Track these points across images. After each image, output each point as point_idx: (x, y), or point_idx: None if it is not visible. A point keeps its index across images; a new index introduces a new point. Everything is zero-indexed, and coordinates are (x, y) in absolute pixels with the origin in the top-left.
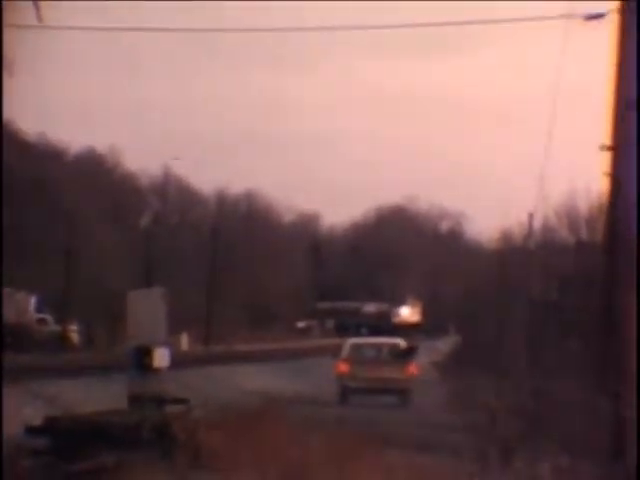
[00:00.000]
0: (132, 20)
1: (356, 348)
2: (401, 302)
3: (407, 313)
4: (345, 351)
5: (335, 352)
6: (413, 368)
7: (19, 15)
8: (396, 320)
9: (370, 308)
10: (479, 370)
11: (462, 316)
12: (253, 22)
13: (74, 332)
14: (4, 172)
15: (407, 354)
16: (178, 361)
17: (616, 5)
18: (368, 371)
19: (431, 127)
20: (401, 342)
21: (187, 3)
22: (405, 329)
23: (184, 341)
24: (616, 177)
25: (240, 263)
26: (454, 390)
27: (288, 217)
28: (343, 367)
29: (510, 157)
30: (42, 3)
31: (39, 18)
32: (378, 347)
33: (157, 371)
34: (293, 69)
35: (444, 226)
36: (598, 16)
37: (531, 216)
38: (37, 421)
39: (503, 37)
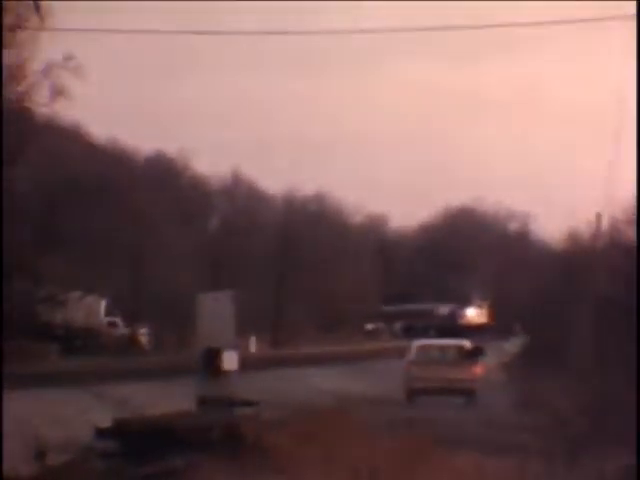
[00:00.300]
0: (194, 23)
1: (422, 349)
2: (468, 303)
3: (473, 314)
4: (412, 353)
5: (402, 354)
6: (479, 369)
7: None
8: (463, 321)
9: (438, 310)
10: (546, 370)
11: (529, 317)
12: (306, 24)
13: (143, 335)
14: (75, 177)
15: (473, 355)
16: (247, 363)
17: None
18: (434, 372)
19: (497, 129)
20: (467, 343)
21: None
22: (472, 330)
23: (252, 344)
24: None
25: (308, 265)
26: (521, 390)
27: (356, 219)
28: (409, 368)
29: (578, 158)
30: (43, 3)
31: (40, 18)
32: (444, 348)
33: (226, 373)
34: (354, 71)
35: (511, 227)
36: None
37: (599, 217)
38: (107, 424)
39: (564, 38)
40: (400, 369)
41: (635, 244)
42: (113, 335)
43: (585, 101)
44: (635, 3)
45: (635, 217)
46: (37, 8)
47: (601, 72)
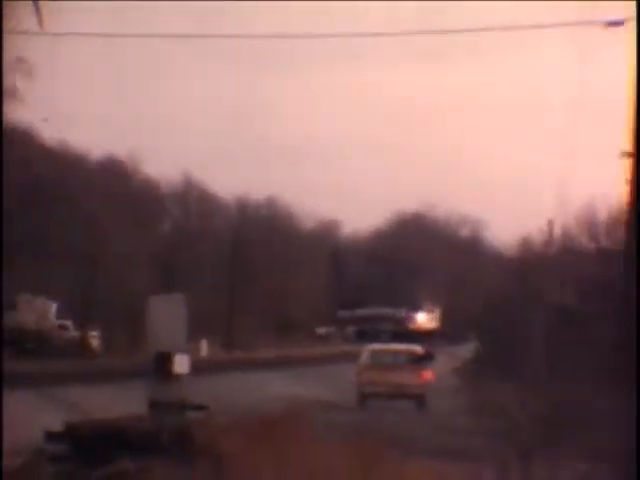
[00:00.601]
0: (145, 26)
1: (374, 354)
2: (419, 308)
3: (424, 319)
4: (363, 357)
5: (354, 358)
6: (428, 374)
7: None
8: (412, 326)
9: (389, 315)
10: (499, 376)
11: (482, 322)
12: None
13: (94, 338)
14: (26, 177)
15: (423, 360)
16: (198, 367)
17: (634, 12)
18: (385, 376)
19: (448, 134)
20: (418, 349)
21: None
22: (422, 336)
23: (204, 347)
24: (637, 183)
25: (261, 270)
26: (474, 396)
27: (308, 224)
28: (361, 372)
29: (529, 164)
30: (42, 4)
31: (39, 20)
32: (395, 353)
33: (177, 377)
34: (308, 74)
35: (463, 233)
36: (617, 23)
37: (551, 223)
38: (57, 427)
39: (521, 43)
40: (351, 374)
41: (589, 250)
42: (64, 338)
43: (538, 107)
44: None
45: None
46: (37, 9)
47: (554, 78)
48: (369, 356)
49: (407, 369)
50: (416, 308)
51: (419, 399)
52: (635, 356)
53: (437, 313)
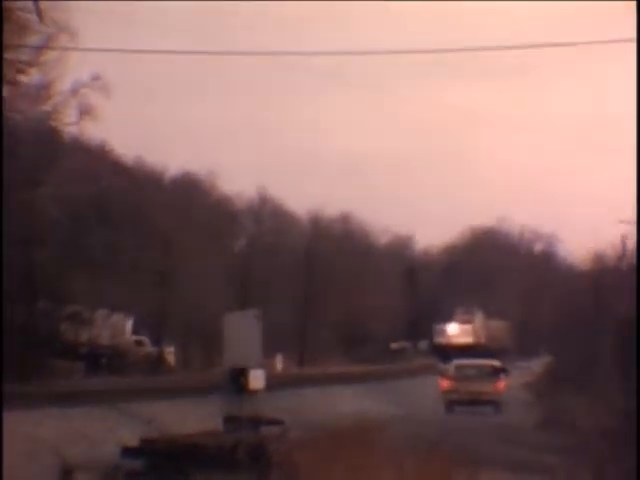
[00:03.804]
0: (220, 43)
1: (458, 368)
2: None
3: (456, 332)
4: (450, 370)
5: (427, 372)
6: (502, 384)
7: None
8: (441, 341)
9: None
10: (571, 391)
11: (554, 337)
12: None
13: (170, 354)
14: (102, 196)
15: (499, 373)
16: (273, 382)
17: None
18: (467, 386)
19: (522, 149)
20: (495, 363)
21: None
22: (455, 352)
23: (279, 363)
24: None
25: (335, 285)
26: (546, 410)
27: (383, 239)
28: (447, 383)
29: (603, 178)
30: (43, 3)
31: (40, 18)
32: (477, 367)
33: (253, 392)
34: (373, 90)
35: (537, 247)
36: None
37: (624, 238)
38: (134, 442)
39: (581, 59)
40: (426, 388)
41: None
42: (140, 354)
43: (612, 122)
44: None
45: None
46: (37, 9)
47: (613, 90)
48: (454, 369)
49: (485, 380)
50: (447, 318)
51: (496, 405)
52: None
53: (478, 322)
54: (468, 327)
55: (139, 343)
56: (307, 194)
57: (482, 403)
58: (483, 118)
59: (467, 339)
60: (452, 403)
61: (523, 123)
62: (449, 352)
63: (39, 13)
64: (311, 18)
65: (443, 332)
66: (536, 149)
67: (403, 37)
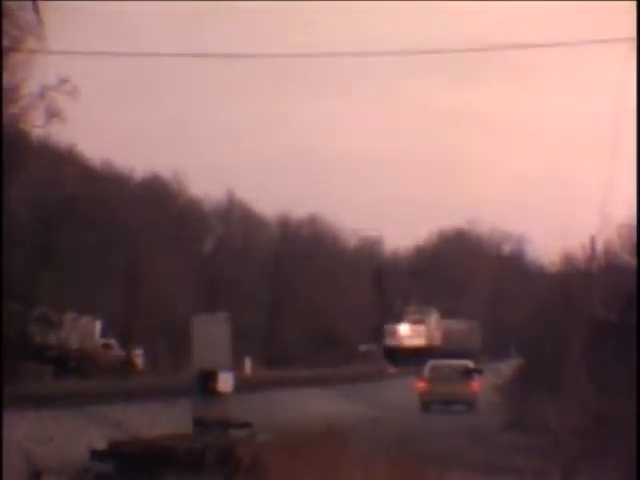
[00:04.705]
0: (191, 45)
1: (434, 368)
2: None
3: (407, 333)
4: (425, 371)
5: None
6: (477, 384)
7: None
8: (391, 343)
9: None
10: (541, 391)
11: (524, 338)
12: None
13: (139, 356)
14: (70, 198)
15: (473, 373)
16: (242, 385)
17: None
18: (442, 386)
19: (491, 150)
20: (470, 363)
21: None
22: (404, 355)
23: (248, 365)
24: None
25: (303, 287)
26: (516, 411)
27: (351, 241)
28: (422, 384)
29: (572, 179)
30: (41, 4)
31: (38, 20)
32: (451, 368)
33: (222, 395)
34: (348, 92)
35: (506, 249)
36: None
37: (593, 239)
38: (102, 445)
39: (559, 60)
40: (393, 390)
41: (631, 266)
42: (108, 357)
43: (581, 122)
44: (635, 25)
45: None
46: (36, 10)
47: (597, 92)
48: (429, 370)
49: (461, 381)
50: (398, 319)
51: (469, 404)
52: None
53: (433, 322)
54: (420, 328)
55: (107, 346)
56: (275, 196)
57: (457, 403)
58: (453, 120)
59: (419, 341)
60: (428, 404)
61: (513, 125)
62: (400, 355)
63: (37, 13)
64: (295, 19)
65: (394, 333)
66: (511, 150)
67: (396, 37)
